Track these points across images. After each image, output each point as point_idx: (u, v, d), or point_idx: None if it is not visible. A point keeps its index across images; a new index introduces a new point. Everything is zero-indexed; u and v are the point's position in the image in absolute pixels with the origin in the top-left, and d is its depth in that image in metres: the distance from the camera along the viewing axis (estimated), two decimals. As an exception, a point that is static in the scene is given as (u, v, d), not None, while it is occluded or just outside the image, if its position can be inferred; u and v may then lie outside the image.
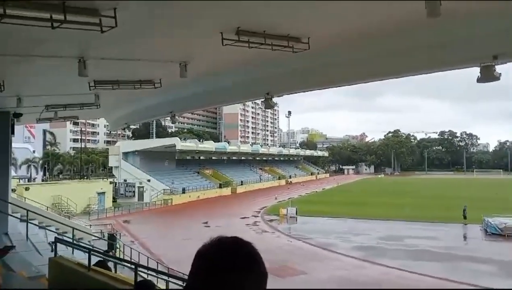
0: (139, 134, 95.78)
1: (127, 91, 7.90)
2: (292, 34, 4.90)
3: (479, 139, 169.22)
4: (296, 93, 9.07)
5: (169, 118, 11.02)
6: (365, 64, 6.12)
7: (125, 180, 54.69)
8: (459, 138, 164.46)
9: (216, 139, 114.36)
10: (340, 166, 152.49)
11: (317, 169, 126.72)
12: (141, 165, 55.64)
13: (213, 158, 78.32)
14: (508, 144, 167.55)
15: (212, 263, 1.18)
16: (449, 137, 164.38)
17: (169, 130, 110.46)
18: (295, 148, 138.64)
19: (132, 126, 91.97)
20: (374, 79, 7.40)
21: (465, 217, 34.77)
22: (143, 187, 53.68)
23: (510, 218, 31.07)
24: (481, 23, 4.68)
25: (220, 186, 64.84)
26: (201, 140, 79.03)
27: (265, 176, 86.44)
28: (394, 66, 6.22)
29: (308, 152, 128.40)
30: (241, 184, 70.67)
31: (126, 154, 56.57)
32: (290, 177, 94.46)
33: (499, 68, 5.20)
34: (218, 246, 1.22)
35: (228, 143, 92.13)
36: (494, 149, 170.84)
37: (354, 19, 4.70)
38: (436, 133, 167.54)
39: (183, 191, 54.36)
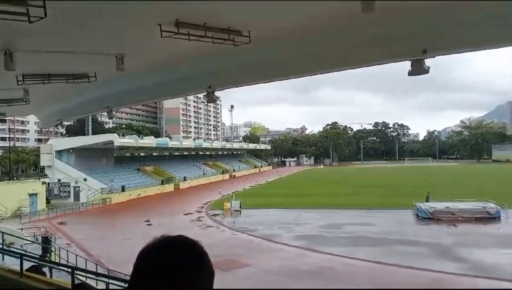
0: (73, 131, 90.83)
1: (60, 85, 7.46)
2: (233, 27, 4.88)
3: (409, 129, 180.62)
4: (238, 86, 9.08)
5: (105, 114, 10.56)
6: (304, 58, 6.27)
7: (59, 180, 51.74)
8: (391, 129, 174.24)
9: (157, 134, 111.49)
10: (282, 159, 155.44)
11: (261, 162, 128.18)
12: (76, 163, 52.85)
13: (154, 154, 76.38)
14: (436, 133, 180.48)
15: (156, 263, 1.13)
16: (383, 128, 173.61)
17: (106, 126, 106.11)
18: (239, 142, 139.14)
19: (65, 123, 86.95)
20: (314, 73, 7.61)
21: (428, 201, 36.22)
22: (79, 186, 51.07)
23: (438, 203, 33.55)
24: (412, 20, 4.96)
25: (162, 183, 63.43)
26: (141, 136, 76.57)
27: (209, 171, 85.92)
28: (332, 60, 6.44)
29: (252, 146, 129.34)
30: (184, 180, 69.65)
31: (59, 153, 53.49)
32: (234, 171, 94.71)
33: (427, 62, 5.56)
34: (162, 246, 1.18)
35: (170, 138, 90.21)
36: (423, 138, 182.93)
37: (293, 14, 4.78)
38: (371, 124, 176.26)
39: (123, 189, 52.47)
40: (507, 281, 16.80)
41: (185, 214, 38.18)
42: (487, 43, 5.88)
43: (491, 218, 30.10)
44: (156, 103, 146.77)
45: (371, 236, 26.11)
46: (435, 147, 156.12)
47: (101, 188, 50.18)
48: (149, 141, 69.41)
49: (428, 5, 4.48)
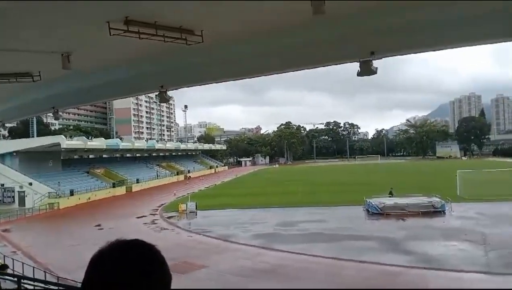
0: (17, 133, 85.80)
1: (1, 85, 7.01)
2: (185, 26, 4.81)
3: (359, 128, 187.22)
4: (191, 86, 8.96)
5: (51, 115, 10.05)
6: (257, 58, 6.30)
7: (2, 185, 48.68)
8: (342, 128, 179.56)
9: (107, 135, 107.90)
10: (238, 159, 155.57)
11: (216, 163, 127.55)
12: (20, 167, 49.98)
13: (105, 156, 73.82)
14: (384, 132, 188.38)
15: (110, 269, 1.08)
16: (334, 127, 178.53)
17: (52, 128, 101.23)
18: (193, 143, 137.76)
19: (8, 125, 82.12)
20: (267, 73, 7.67)
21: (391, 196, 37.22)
22: (24, 191, 48.31)
23: (388, 198, 34.99)
24: (360, 22, 5.13)
25: (114, 186, 61.39)
26: (90, 137, 73.77)
27: (163, 172, 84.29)
28: (284, 61, 6.51)
29: (207, 146, 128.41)
30: (137, 182, 67.85)
31: (2, 156, 50.38)
32: (189, 172, 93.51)
33: (375, 63, 5.77)
34: (116, 250, 1.12)
35: (121, 139, 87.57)
36: (372, 137, 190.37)
37: (245, 15, 4.79)
38: (323, 124, 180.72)
39: (71, 193, 50.20)
40: (453, 271, 17.81)
41: (138, 217, 37.22)
42: (433, 45, 6.19)
43: (437, 211, 31.81)
44: (105, 103, 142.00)
45: (325, 233, 26.76)
46: (383, 145, 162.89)
47: (48, 193, 47.80)
48: (98, 142, 66.99)
49: (376, 7, 4.66)
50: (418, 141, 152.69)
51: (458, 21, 5.03)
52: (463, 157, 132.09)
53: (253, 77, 8.13)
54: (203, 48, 5.17)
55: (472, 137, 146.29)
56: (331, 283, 16.35)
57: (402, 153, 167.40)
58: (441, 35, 5.61)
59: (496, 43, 6.40)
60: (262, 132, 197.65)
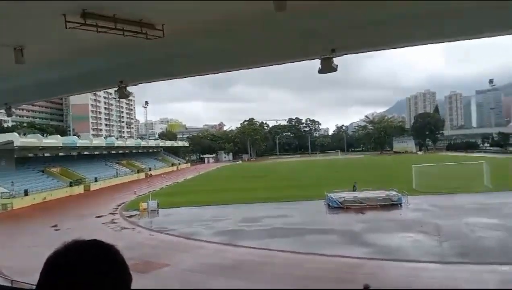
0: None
1: None
2: (145, 20, 4.69)
3: (320, 124, 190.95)
4: (152, 82, 8.78)
5: (3, 111, 9.54)
6: (220, 54, 6.27)
7: (-51, 186, 45.88)
8: (304, 124, 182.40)
9: (64, 133, 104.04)
10: (201, 155, 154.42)
11: (178, 160, 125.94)
12: (-31, 166, 47.32)
13: (61, 154, 71.07)
14: (343, 128, 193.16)
15: (67, 270, 1.05)
16: (296, 124, 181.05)
17: (5, 125, 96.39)
18: (155, 139, 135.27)
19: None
20: (229, 69, 7.65)
21: (354, 190, 38.19)
22: (-26, 192, 45.80)
23: (347, 192, 35.93)
24: (322, 20, 5.21)
25: (71, 185, 59.26)
26: (45, 135, 70.79)
27: (123, 170, 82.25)
28: (247, 57, 6.53)
29: (168, 143, 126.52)
30: (96, 181, 65.80)
31: (-51, 155, 47.46)
32: (150, 170, 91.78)
33: (336, 60, 5.90)
34: (73, 251, 1.08)
35: (78, 137, 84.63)
36: (333, 133, 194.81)
37: (207, 10, 4.74)
38: (285, 120, 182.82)
39: (26, 193, 48.04)
40: (409, 261, 18.55)
41: (98, 217, 36.17)
42: (394, 43, 6.40)
43: (394, 204, 33.01)
44: (62, 99, 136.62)
45: (287, 227, 27.12)
46: (343, 141, 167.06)
47: (1, 193, 45.51)
48: (54, 140, 64.39)
49: (337, 4, 4.74)
50: (376, 136, 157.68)
51: (418, 19, 5.22)
52: (418, 152, 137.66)
53: (216, 73, 8.08)
54: (164, 42, 5.07)
55: (427, 133, 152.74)
56: (292, 277, 16.60)
57: (361, 149, 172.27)
58: (401, 33, 5.81)
59: (456, 41, 6.70)
60: (225, 128, 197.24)
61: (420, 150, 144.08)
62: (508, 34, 6.38)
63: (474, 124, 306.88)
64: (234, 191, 48.23)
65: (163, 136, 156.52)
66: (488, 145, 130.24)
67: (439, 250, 20.05)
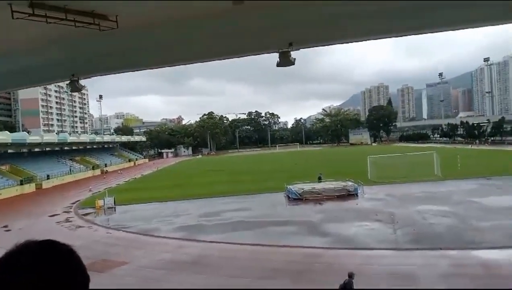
0: None
1: None
2: (98, 10, 4.52)
3: (279, 118, 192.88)
4: (106, 75, 8.51)
5: None
6: (176, 47, 6.16)
7: None
8: (264, 117, 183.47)
9: (13, 129, 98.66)
10: (159, 150, 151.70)
11: (136, 155, 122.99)
12: None
13: (10, 151, 67.56)
14: (302, 121, 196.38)
15: (19, 273, 0.99)
16: (256, 117, 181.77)
17: None
18: (110, 134, 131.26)
19: None
20: (185, 62, 7.54)
21: (320, 181, 38.66)
22: None
23: (306, 184, 36.61)
24: (279, 13, 5.24)
25: (22, 183, 56.42)
26: (-8, 131, 66.88)
27: (77, 167, 79.26)
28: (204, 50, 6.46)
29: (125, 138, 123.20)
30: (48, 179, 63.03)
31: None
32: (105, 166, 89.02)
33: (294, 54, 5.97)
34: (26, 253, 1.02)
35: (28, 132, 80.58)
36: (291, 126, 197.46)
37: (163, 1, 4.64)
38: (245, 114, 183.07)
39: (-29, 193, 45.37)
40: (365, 249, 19.21)
41: (51, 216, 34.73)
42: (350, 37, 6.55)
43: (350, 195, 34.01)
44: (9, 93, 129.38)
45: (248, 220, 27.28)
46: (302, 134, 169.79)
47: None
48: (2, 136, 60.98)
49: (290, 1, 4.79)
50: (333, 129, 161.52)
51: (374, 14, 5.37)
52: (373, 143, 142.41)
53: (172, 66, 7.94)
54: (118, 34, 4.92)
55: (381, 125, 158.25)
56: (252, 269, 16.75)
57: (319, 141, 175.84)
58: (358, 27, 5.96)
59: (412, 35, 6.96)
60: (184, 122, 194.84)
61: (374, 141, 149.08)
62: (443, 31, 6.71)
63: (425, 116, 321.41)
64: (194, 185, 47.85)
65: (119, 131, 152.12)
66: (438, 136, 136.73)
67: (394, 237, 20.91)
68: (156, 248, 21.91)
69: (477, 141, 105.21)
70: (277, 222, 26.33)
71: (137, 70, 8.63)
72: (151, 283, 15.92)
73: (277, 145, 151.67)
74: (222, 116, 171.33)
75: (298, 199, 33.77)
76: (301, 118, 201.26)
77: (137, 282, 16.10)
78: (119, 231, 27.19)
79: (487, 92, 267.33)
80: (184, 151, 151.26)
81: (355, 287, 11.47)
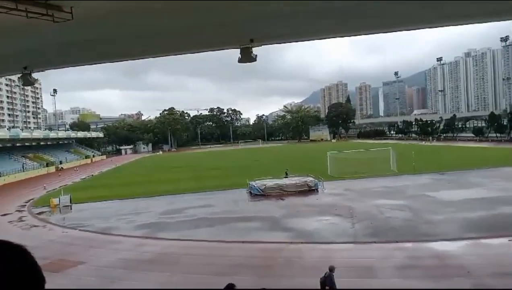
0: None
1: None
2: (52, 1, 4.33)
3: (242, 114, 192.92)
4: (60, 68, 8.18)
5: None
6: (133, 40, 6.01)
7: None
8: (226, 114, 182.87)
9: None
10: (117, 147, 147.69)
11: (93, 152, 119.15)
12: None
13: (-44, 148, 63.67)
14: (264, 117, 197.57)
15: None
16: (218, 114, 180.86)
17: None
18: (65, 130, 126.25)
19: None
20: (146, 56, 7.37)
21: (286, 176, 39.02)
22: None
23: (268, 180, 36.89)
24: (239, 10, 5.23)
25: (-31, 181, 53.39)
26: None
27: (30, 164, 75.80)
28: (163, 44, 6.34)
29: (81, 134, 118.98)
30: (-2, 176, 59.97)
31: None
32: (61, 163, 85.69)
33: (255, 50, 5.99)
34: None
35: (-24, 128, 76.09)
36: (253, 122, 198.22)
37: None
38: (207, 110, 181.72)
39: None
40: (325, 243, 19.63)
41: (3, 215, 33.06)
42: (310, 34, 6.64)
43: (311, 190, 34.63)
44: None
45: (210, 217, 27.15)
46: (264, 130, 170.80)
47: None
48: None
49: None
50: (294, 125, 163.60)
51: (334, 11, 5.47)
52: (332, 140, 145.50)
53: (130, 60, 7.74)
54: (73, 26, 4.73)
55: (340, 121, 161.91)
56: (213, 266, 16.71)
57: (280, 137, 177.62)
58: (318, 25, 6.05)
59: (373, 34, 7.14)
60: (143, 118, 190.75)
61: (334, 138, 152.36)
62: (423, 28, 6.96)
63: (381, 113, 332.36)
64: (155, 183, 47.05)
65: (74, 126, 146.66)
66: (394, 132, 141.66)
67: (352, 231, 21.50)
68: (115, 247, 21.36)
69: (430, 137, 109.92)
70: (239, 218, 26.39)
71: (94, 64, 8.35)
72: (110, 282, 15.51)
73: (239, 142, 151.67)
74: (183, 112, 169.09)
75: (260, 195, 33.98)
76: (263, 114, 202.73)
77: (95, 281, 15.65)
78: (75, 230, 26.28)
79: (439, 91, 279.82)
80: (144, 148, 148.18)
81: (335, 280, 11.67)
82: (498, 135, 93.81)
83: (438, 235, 19.50)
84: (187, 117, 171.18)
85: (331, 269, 11.65)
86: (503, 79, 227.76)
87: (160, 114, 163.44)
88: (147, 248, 20.71)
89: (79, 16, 4.62)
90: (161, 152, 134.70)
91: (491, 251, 16.71)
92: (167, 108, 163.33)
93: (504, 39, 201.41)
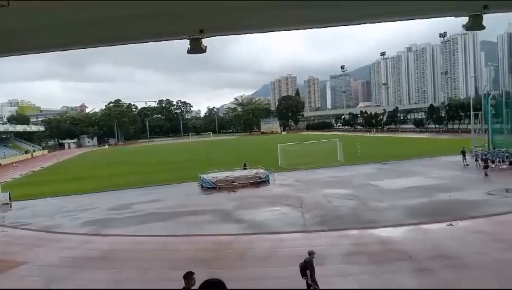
0: None
1: None
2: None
3: (192, 106, 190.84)
4: (-5, 57, 7.64)
5: None
6: (77, 29, 5.73)
7: None
8: (175, 106, 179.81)
9: None
10: (60, 141, 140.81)
11: (33, 146, 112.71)
12: None
13: None
14: (215, 110, 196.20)
15: None
16: (167, 106, 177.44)
17: None
18: (2, 124, 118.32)
19: None
20: (89, 45, 7.07)
21: (245, 168, 39.13)
22: None
23: (220, 173, 36.84)
24: (189, 0, 5.15)
25: None
26: None
27: (-38, 160, 70.43)
28: (108, 33, 6.10)
29: (20, 128, 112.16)
30: None
31: None
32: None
33: (205, 42, 5.93)
34: None
35: None
36: (204, 115, 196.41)
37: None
38: (155, 102, 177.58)
39: None
40: (276, 233, 19.97)
41: None
42: (261, 27, 6.66)
43: (262, 181, 35.02)
44: None
45: (160, 212, 26.68)
46: (215, 123, 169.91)
47: None
48: None
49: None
50: (245, 118, 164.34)
51: (285, 4, 5.53)
52: (283, 132, 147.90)
53: (72, 49, 7.39)
54: (9, 13, 4.44)
55: (290, 114, 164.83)
56: (164, 260, 16.49)
57: (232, 130, 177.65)
58: (268, 18, 6.09)
59: (322, 27, 7.27)
60: (88, 110, 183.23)
61: (284, 130, 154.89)
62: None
63: (329, 106, 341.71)
64: (101, 178, 45.46)
65: (13, 120, 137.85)
66: (341, 124, 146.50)
67: (302, 220, 22.03)
68: (60, 245, 20.41)
69: (374, 129, 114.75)
70: (190, 212, 26.15)
71: (32, 53, 7.87)
72: (55, 282, 14.84)
73: (189, 135, 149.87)
74: (130, 104, 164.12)
75: (212, 187, 33.86)
76: (214, 107, 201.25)
77: (39, 282, 14.89)
78: (16, 229, 24.82)
79: (383, 84, 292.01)
80: (89, 142, 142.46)
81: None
82: (437, 126, 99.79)
83: (382, 222, 20.47)
84: (134, 110, 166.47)
85: (311, 253, 11.86)
86: (442, 73, 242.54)
87: (106, 106, 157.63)
88: (94, 245, 20.01)
89: (16, 2, 4.34)
90: (107, 146, 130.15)
91: (430, 235, 17.79)
92: (113, 100, 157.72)
93: (443, 35, 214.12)
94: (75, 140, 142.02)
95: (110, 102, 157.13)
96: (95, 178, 45.21)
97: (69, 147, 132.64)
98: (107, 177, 45.37)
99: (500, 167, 34.70)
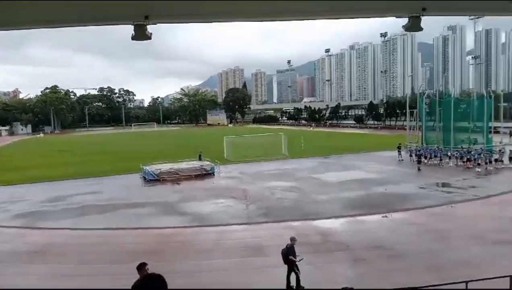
0: None
1: None
2: None
3: (135, 95, 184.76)
4: None
5: None
6: (7, 9, 5.30)
7: None
8: (117, 94, 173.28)
9: None
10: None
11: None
12: None
13: None
14: (159, 100, 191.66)
15: None
16: (108, 94, 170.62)
17: None
18: None
19: None
20: (21, 27, 6.57)
21: (200, 160, 38.57)
22: None
23: (163, 164, 36.09)
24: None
25: None
26: None
27: None
28: (43, 14, 5.69)
29: None
30: None
31: None
32: None
33: (151, 29, 5.73)
34: None
35: None
36: (148, 104, 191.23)
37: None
38: (96, 89, 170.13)
39: None
40: (220, 225, 19.97)
41: None
42: (206, 16, 6.55)
43: (207, 174, 34.84)
44: None
45: (99, 204, 25.70)
46: (159, 113, 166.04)
47: None
48: None
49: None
50: (191, 109, 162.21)
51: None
52: (229, 124, 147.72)
53: (5, 30, 6.83)
54: None
55: (237, 107, 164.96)
56: (103, 254, 15.94)
57: (177, 121, 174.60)
58: (216, 7, 5.99)
59: (271, 21, 7.27)
60: (21, 96, 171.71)
61: (230, 122, 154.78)
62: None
63: (275, 99, 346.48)
64: (35, 168, 42.88)
65: None
66: (286, 118, 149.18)
67: (246, 212, 22.23)
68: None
69: (313, 123, 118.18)
70: (131, 204, 25.43)
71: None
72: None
73: (132, 125, 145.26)
74: (68, 90, 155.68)
75: (155, 180, 33.12)
76: (159, 97, 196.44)
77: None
78: None
79: (327, 80, 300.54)
80: (22, 129, 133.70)
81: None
82: (376, 122, 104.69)
83: (322, 214, 21.19)
84: (73, 97, 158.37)
85: (293, 239, 12.12)
86: (381, 72, 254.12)
87: (41, 92, 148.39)
88: (29, 239, 18.87)
89: None
90: (42, 134, 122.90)
91: (366, 226, 18.69)
92: (49, 86, 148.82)
93: (384, 34, 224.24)
94: (7, 127, 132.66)
95: (47, 88, 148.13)
96: (29, 168, 42.56)
97: (0, 135, 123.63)
98: (42, 167, 42.92)
99: (432, 163, 37.10)
